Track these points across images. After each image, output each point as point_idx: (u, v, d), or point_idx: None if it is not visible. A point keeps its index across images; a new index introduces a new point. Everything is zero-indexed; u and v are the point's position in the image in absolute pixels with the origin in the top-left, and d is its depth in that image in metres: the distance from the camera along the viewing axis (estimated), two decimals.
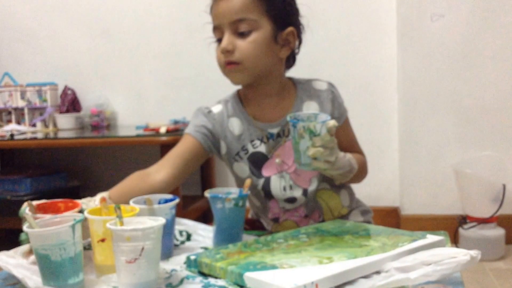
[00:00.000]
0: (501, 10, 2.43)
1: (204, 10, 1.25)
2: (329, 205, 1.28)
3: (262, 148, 1.25)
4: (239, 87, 1.31)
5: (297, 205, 1.26)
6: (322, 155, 1.03)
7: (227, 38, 1.17)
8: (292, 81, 1.29)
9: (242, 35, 1.17)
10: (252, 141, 1.25)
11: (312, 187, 1.25)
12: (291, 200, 1.25)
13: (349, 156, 1.17)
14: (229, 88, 2.98)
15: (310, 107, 1.25)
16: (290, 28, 1.21)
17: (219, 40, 1.20)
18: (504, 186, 2.33)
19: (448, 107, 2.51)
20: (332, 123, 1.03)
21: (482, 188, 2.36)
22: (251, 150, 1.25)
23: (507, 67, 2.45)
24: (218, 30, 1.20)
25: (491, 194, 2.35)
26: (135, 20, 2.93)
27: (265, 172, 1.25)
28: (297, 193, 1.25)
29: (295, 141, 1.05)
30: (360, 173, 1.26)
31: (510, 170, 2.42)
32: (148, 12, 2.92)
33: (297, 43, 1.25)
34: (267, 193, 1.26)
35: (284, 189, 1.24)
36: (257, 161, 1.25)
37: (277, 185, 1.24)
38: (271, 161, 1.24)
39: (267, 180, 1.25)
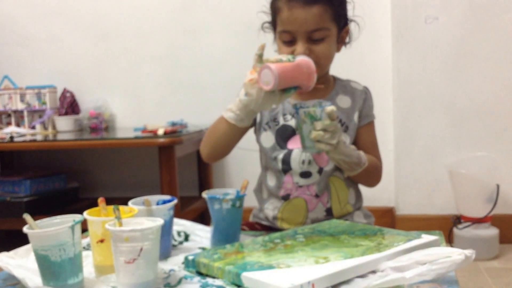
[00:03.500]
0: (495, 12, 2.45)
1: (261, 8, 1.30)
2: (338, 194, 1.32)
3: (292, 122, 1.31)
4: None
5: (310, 183, 1.30)
6: (323, 138, 1.09)
7: (302, 46, 1.22)
8: (333, 76, 1.38)
9: (315, 41, 1.23)
10: (284, 114, 1.32)
11: (328, 167, 1.30)
12: (307, 174, 1.29)
13: (361, 152, 1.24)
14: (226, 90, 3.00)
15: (343, 100, 1.34)
16: (346, 27, 1.32)
17: (286, 42, 1.25)
18: (498, 186, 2.34)
19: (443, 108, 2.53)
20: (331, 108, 1.09)
21: (476, 188, 2.37)
22: (281, 122, 1.32)
23: (501, 68, 2.47)
24: (288, 34, 1.24)
25: (485, 194, 2.36)
26: (133, 23, 2.93)
27: (290, 145, 1.31)
28: (314, 169, 1.29)
29: (299, 126, 1.12)
30: (372, 174, 1.31)
31: (504, 170, 2.43)
32: (146, 15, 2.92)
33: (348, 38, 1.34)
34: (285, 165, 1.30)
35: (303, 162, 1.29)
36: (285, 134, 1.31)
37: (297, 158, 1.29)
38: (298, 136, 1.29)
39: (289, 152, 1.30)
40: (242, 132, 1.25)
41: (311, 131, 1.10)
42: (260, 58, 1.09)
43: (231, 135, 1.24)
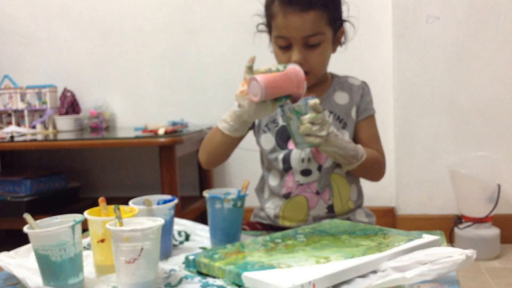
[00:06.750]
0: (496, 12, 2.45)
1: (261, 8, 1.30)
2: (340, 191, 1.32)
3: None
4: None
5: (311, 180, 1.30)
6: (311, 131, 1.09)
7: (298, 52, 1.22)
8: (331, 74, 1.39)
9: (311, 46, 1.23)
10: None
11: (326, 164, 1.30)
12: (307, 172, 1.30)
13: (358, 145, 1.24)
14: (226, 90, 3.00)
15: (340, 97, 1.34)
16: (342, 28, 1.31)
17: (282, 48, 1.25)
18: (499, 186, 2.34)
19: (443, 108, 2.53)
20: (314, 101, 1.09)
21: (477, 188, 2.37)
22: (281, 123, 1.33)
23: (501, 68, 2.47)
24: (283, 40, 1.24)
25: (486, 194, 2.36)
26: (133, 23, 2.94)
27: (291, 145, 1.31)
28: (313, 166, 1.30)
29: (287, 123, 1.12)
30: (372, 167, 1.30)
31: (504, 170, 2.43)
32: (147, 15, 2.92)
33: (343, 38, 1.33)
34: (285, 165, 1.31)
35: (303, 160, 1.30)
36: (285, 135, 1.32)
37: (296, 156, 1.30)
38: None
39: (289, 151, 1.31)
40: (238, 140, 1.26)
41: (299, 126, 1.10)
42: (250, 70, 1.10)
43: (227, 145, 1.25)
